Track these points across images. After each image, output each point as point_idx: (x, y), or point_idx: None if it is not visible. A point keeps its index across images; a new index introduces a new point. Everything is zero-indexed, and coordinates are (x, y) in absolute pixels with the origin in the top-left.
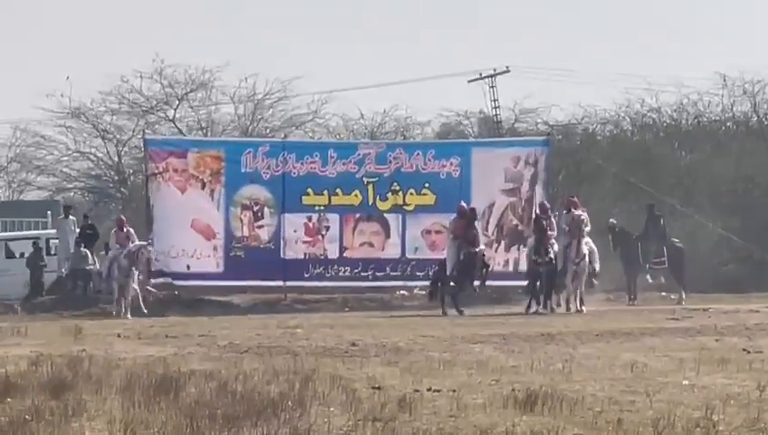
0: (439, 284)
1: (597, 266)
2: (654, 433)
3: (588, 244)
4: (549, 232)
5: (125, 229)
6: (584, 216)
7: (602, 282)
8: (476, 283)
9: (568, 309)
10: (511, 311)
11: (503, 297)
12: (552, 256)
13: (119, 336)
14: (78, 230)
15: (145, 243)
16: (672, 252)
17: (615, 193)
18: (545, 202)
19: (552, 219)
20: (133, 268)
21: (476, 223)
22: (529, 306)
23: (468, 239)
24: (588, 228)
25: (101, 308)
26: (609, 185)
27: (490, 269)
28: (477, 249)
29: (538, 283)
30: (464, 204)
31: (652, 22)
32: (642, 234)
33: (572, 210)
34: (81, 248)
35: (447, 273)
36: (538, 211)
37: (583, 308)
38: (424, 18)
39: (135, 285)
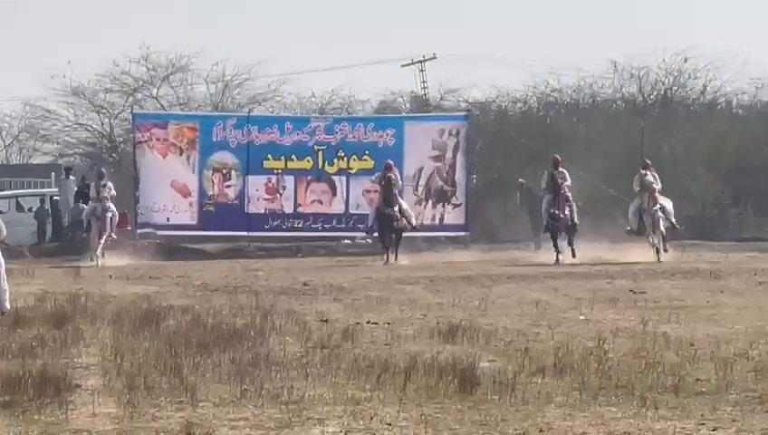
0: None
1: (672, 219)
2: (555, 359)
3: (661, 200)
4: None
5: (104, 181)
6: (650, 177)
7: (512, 232)
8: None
9: (660, 251)
10: (438, 257)
11: (432, 246)
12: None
13: (110, 277)
14: (76, 188)
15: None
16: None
17: (523, 159)
18: (557, 157)
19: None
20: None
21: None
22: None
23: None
24: (658, 186)
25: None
26: (519, 153)
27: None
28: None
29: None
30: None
31: (557, 14)
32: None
33: (648, 171)
34: (80, 204)
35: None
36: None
37: (660, 256)
38: (366, 10)
39: (104, 238)
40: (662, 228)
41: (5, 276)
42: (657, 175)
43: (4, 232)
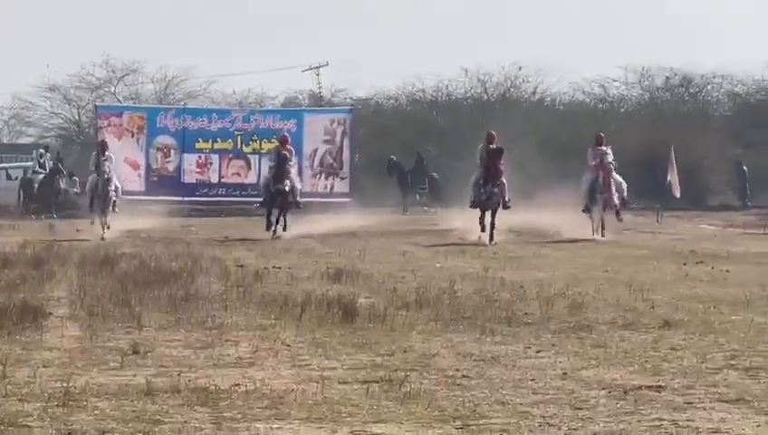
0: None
1: (625, 195)
2: (416, 297)
3: (615, 177)
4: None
5: (106, 153)
6: (610, 156)
7: (385, 199)
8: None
9: (597, 233)
10: (328, 218)
11: (324, 209)
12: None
13: (77, 231)
14: (52, 163)
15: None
16: (432, 182)
17: (395, 143)
18: (492, 131)
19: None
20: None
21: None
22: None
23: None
24: (613, 163)
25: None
26: (391, 138)
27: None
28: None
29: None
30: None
31: (421, 30)
32: (412, 169)
33: (600, 146)
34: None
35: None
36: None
37: (604, 235)
38: (274, 26)
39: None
40: (614, 205)
41: None
42: (609, 149)
43: None
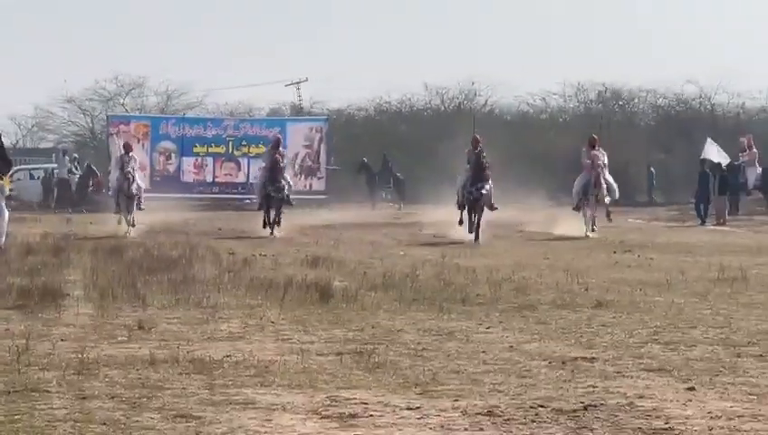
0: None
1: (611, 197)
2: (383, 280)
3: (607, 178)
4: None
5: (131, 154)
6: (605, 158)
7: (356, 196)
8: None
9: (592, 230)
10: (307, 213)
11: (303, 205)
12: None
13: (90, 223)
14: (69, 165)
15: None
16: (396, 181)
17: (365, 148)
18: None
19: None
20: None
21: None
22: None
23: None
24: (605, 164)
25: (83, 209)
26: (361, 143)
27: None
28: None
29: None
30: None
31: (387, 50)
32: (379, 171)
33: (594, 148)
34: (71, 174)
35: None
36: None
37: (595, 230)
38: (261, 45)
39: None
40: (605, 204)
41: (7, 222)
42: (604, 151)
43: (7, 192)
